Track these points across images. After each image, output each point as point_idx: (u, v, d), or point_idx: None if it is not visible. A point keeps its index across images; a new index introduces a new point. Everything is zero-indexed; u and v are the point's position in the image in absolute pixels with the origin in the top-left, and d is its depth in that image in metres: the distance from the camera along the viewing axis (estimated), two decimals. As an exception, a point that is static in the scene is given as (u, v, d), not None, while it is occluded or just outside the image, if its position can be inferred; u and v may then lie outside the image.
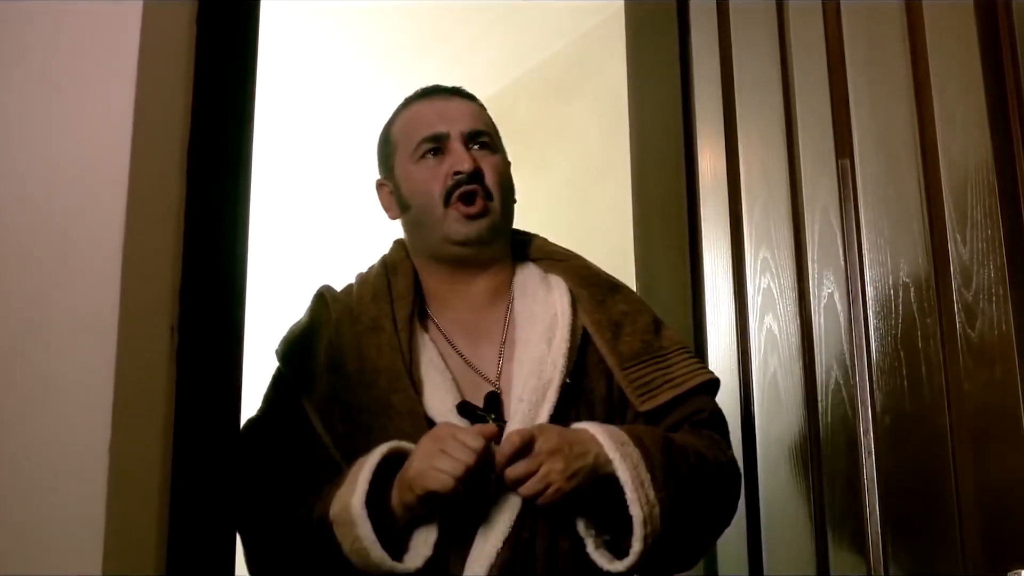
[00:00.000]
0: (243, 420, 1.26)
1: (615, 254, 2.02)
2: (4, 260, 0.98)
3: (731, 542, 1.73)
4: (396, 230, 1.51)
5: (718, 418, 1.39)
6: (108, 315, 0.94)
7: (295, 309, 1.47)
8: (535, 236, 1.52)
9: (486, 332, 1.39)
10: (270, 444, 1.34)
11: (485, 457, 1.19)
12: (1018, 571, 1.34)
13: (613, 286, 1.45)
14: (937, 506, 1.47)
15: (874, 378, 1.58)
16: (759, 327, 1.80)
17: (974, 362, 1.45)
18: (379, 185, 1.49)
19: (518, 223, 1.50)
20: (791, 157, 1.78)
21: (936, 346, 1.50)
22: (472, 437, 1.19)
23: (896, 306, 1.57)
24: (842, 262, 1.66)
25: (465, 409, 1.30)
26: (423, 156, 1.40)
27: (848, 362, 1.62)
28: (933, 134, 1.55)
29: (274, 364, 1.42)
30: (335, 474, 1.28)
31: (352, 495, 1.18)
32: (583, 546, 1.24)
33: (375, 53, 3.38)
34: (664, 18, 2.09)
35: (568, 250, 1.50)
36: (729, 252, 1.88)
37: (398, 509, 1.21)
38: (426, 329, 1.40)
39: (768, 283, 1.79)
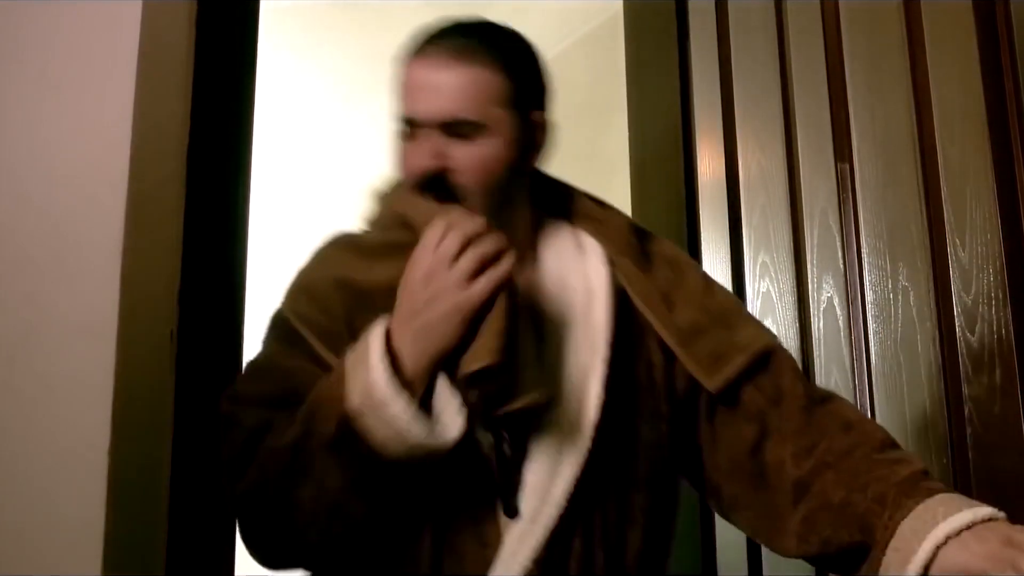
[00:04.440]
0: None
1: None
2: (2, 262, 0.97)
3: (731, 542, 1.73)
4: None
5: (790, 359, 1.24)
6: (107, 319, 0.94)
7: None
8: (574, 191, 1.33)
9: None
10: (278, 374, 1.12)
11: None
12: (1017, 575, 1.34)
13: (651, 240, 1.29)
14: (936, 510, 1.47)
15: (873, 382, 1.58)
16: (758, 331, 1.79)
17: (973, 367, 1.45)
18: None
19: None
20: (790, 161, 1.78)
21: (935, 350, 1.50)
22: (473, 225, 1.01)
23: (895, 310, 1.56)
24: (841, 266, 1.66)
25: None
26: (400, 133, 1.19)
27: (847, 366, 1.62)
28: (932, 137, 1.55)
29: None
30: None
31: (370, 374, 1.00)
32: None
33: (375, 55, 3.37)
34: (663, 20, 2.08)
35: (606, 207, 1.32)
36: (728, 256, 1.87)
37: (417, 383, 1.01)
38: None
39: (767, 287, 1.79)
